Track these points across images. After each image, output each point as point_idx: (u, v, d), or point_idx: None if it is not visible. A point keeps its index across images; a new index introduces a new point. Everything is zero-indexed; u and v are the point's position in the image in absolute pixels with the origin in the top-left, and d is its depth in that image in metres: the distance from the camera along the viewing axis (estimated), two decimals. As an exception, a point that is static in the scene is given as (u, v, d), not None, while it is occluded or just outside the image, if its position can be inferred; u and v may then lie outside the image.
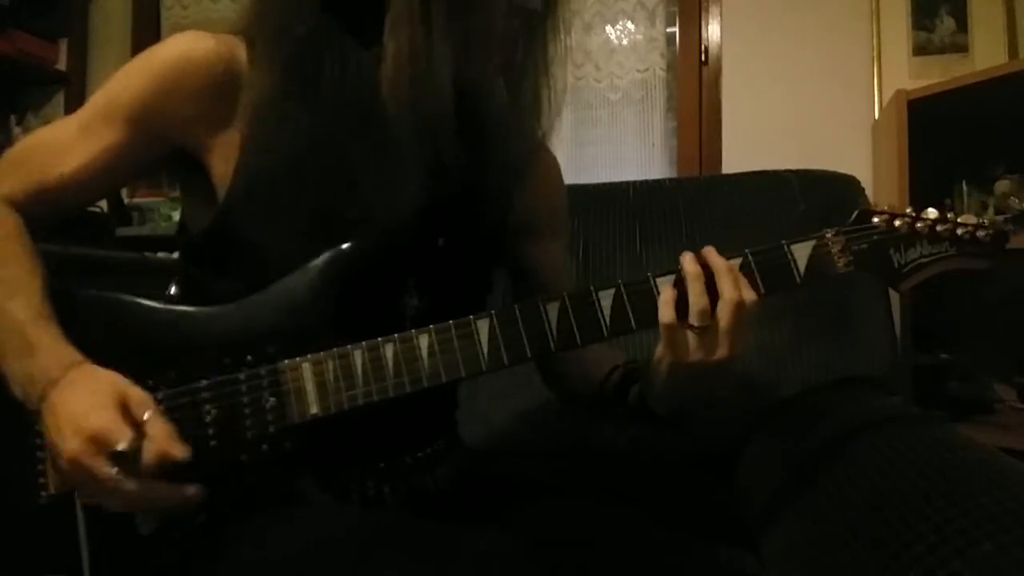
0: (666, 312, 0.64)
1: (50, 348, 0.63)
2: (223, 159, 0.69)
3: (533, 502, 0.78)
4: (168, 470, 0.59)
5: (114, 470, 0.57)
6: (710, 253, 0.65)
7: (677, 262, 0.67)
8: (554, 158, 0.91)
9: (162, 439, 0.59)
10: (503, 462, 0.93)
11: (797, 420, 1.02)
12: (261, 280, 0.68)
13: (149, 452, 0.58)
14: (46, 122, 2.40)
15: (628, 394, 0.77)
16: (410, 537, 0.60)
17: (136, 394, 0.61)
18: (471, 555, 0.58)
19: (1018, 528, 0.53)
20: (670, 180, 1.60)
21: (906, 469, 0.69)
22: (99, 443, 0.57)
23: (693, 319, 0.63)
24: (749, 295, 0.64)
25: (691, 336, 0.64)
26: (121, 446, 0.57)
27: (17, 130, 2.38)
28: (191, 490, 0.60)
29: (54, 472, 0.64)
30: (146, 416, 0.60)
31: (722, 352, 0.63)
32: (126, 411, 0.60)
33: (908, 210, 0.69)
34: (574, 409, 1.15)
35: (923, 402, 1.45)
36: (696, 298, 0.63)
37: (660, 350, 0.67)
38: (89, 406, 0.59)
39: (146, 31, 2.49)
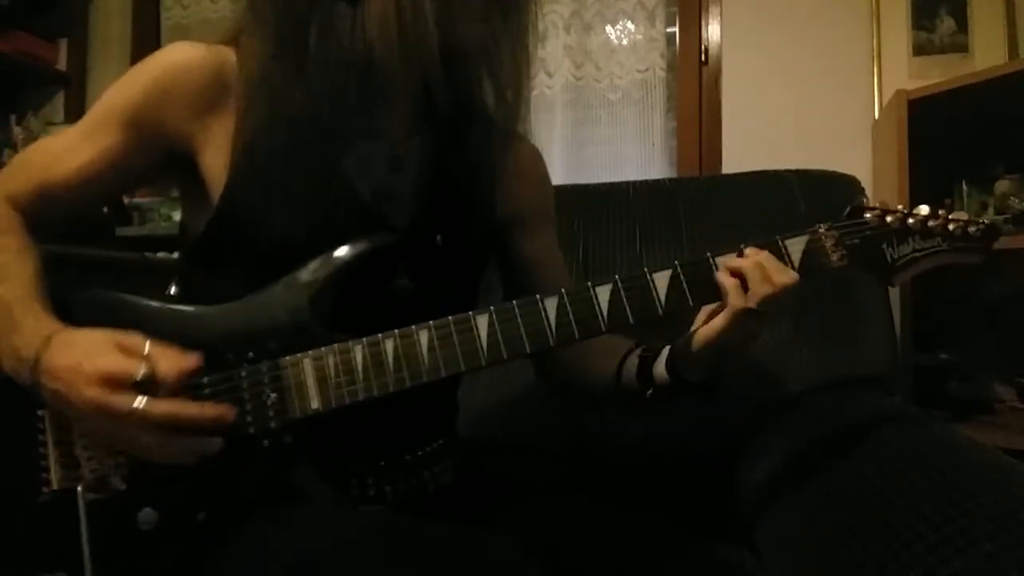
0: (737, 298, 0.66)
1: (32, 323, 0.64)
2: (217, 155, 0.71)
3: (532, 501, 0.78)
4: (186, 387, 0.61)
5: (141, 401, 0.58)
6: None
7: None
8: (535, 149, 0.92)
9: (170, 357, 0.61)
10: (503, 460, 0.93)
11: (797, 420, 1.02)
12: (262, 273, 0.69)
13: (165, 370, 0.60)
14: (46, 122, 2.41)
15: (649, 371, 0.77)
16: (410, 537, 0.60)
17: (125, 335, 0.62)
18: (470, 555, 0.58)
19: (1018, 528, 0.53)
20: (670, 180, 1.59)
21: (906, 469, 0.69)
22: (116, 382, 0.59)
23: (755, 304, 0.66)
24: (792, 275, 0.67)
25: (749, 318, 0.67)
26: (139, 375, 0.58)
27: (17, 130, 2.38)
28: (221, 408, 0.62)
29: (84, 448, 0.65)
30: (146, 347, 0.61)
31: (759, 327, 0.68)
32: (124, 349, 0.61)
33: (900, 206, 0.71)
34: (575, 406, 1.15)
35: (923, 402, 1.45)
36: (757, 286, 0.66)
37: (717, 329, 0.68)
38: (89, 355, 0.60)
39: (146, 31, 2.49)
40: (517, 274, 0.89)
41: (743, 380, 1.10)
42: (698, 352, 0.71)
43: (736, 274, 0.67)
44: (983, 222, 0.70)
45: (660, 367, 0.76)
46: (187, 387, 0.63)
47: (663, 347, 0.77)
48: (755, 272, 0.66)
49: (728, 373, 0.73)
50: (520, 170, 0.87)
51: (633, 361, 0.80)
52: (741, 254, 0.68)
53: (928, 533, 0.56)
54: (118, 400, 0.58)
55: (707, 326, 0.69)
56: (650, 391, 0.77)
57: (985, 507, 0.56)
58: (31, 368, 0.62)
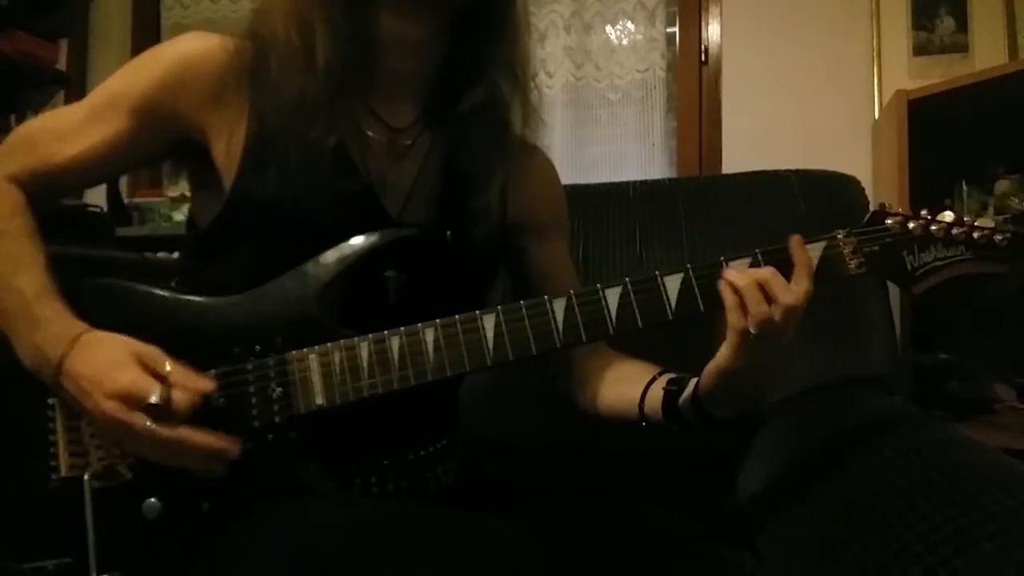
0: (738, 319, 0.63)
1: (55, 321, 0.65)
2: (229, 143, 0.71)
3: (533, 501, 0.78)
4: (199, 414, 0.62)
5: (151, 422, 0.60)
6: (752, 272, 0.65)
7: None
8: (548, 160, 0.91)
9: (188, 382, 0.62)
10: (505, 460, 0.93)
11: (797, 420, 1.02)
12: (269, 265, 0.69)
13: (180, 397, 0.61)
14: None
15: (675, 407, 0.74)
16: (414, 529, 0.60)
17: (148, 349, 0.63)
18: (475, 546, 0.58)
19: (1018, 528, 0.53)
20: (670, 180, 1.59)
21: (906, 469, 0.69)
22: (132, 399, 0.60)
23: (752, 327, 0.63)
24: (799, 294, 0.63)
25: (752, 339, 0.64)
26: (154, 398, 0.59)
27: (17, 130, 2.38)
28: (227, 442, 0.62)
29: (94, 434, 0.65)
30: (167, 368, 0.62)
31: (775, 348, 0.65)
32: (145, 366, 0.62)
33: (923, 212, 0.68)
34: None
35: (923, 402, 1.45)
36: (754, 307, 0.63)
37: (723, 354, 0.66)
38: (110, 366, 0.61)
39: (146, 31, 2.49)
40: (527, 284, 0.88)
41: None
42: (716, 386, 0.68)
43: (736, 290, 0.64)
44: (1010, 230, 0.67)
45: (687, 401, 0.72)
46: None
47: (690, 379, 0.73)
48: (753, 292, 0.63)
49: (759, 409, 0.71)
50: (534, 180, 0.87)
51: (657, 392, 0.76)
52: (757, 261, 0.66)
53: (928, 533, 0.56)
54: (132, 417, 0.60)
55: (715, 357, 0.67)
56: (676, 427, 0.74)
57: (985, 507, 0.56)
58: (54, 368, 0.63)
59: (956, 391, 1.61)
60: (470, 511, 0.64)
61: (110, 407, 0.60)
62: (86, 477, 0.64)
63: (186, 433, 0.61)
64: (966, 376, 1.64)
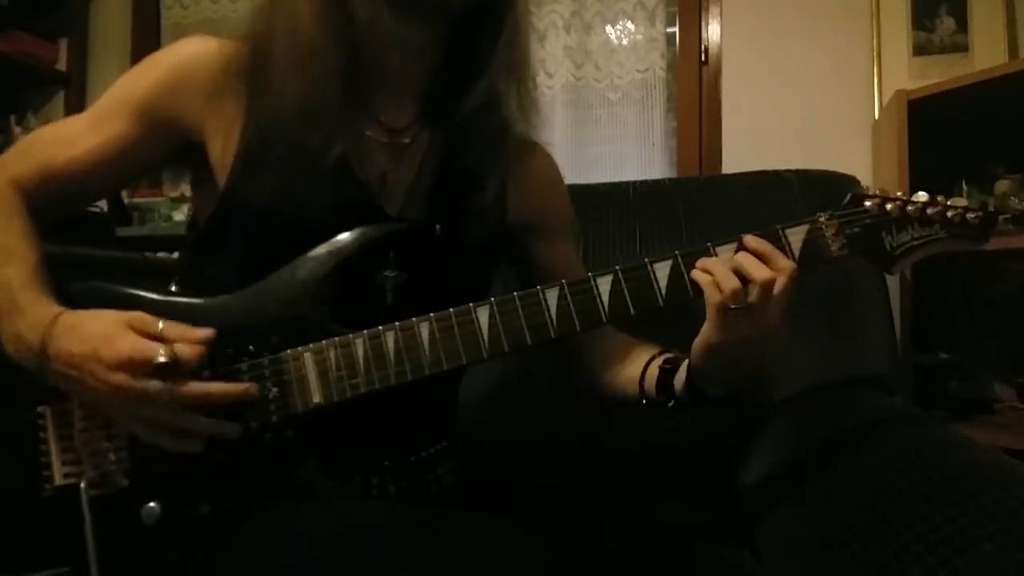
0: (714, 294, 0.65)
1: (34, 306, 0.64)
2: (224, 142, 0.72)
3: (534, 500, 0.78)
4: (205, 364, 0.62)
5: (171, 385, 0.59)
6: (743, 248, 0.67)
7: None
8: (549, 156, 0.91)
9: (186, 333, 0.62)
10: (504, 459, 0.92)
11: (797, 420, 1.02)
12: (263, 261, 0.69)
13: (185, 350, 0.60)
14: (46, 122, 2.40)
15: (670, 384, 0.76)
16: (414, 529, 0.60)
17: (136, 314, 0.63)
18: (475, 550, 0.58)
19: (1018, 528, 0.53)
20: (670, 180, 1.59)
21: (906, 469, 0.69)
22: (138, 365, 0.59)
23: (728, 300, 0.64)
24: (780, 270, 0.65)
25: (731, 314, 0.65)
26: (161, 357, 0.59)
27: (17, 130, 2.38)
28: (245, 384, 0.63)
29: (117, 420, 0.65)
30: (160, 326, 0.61)
31: (759, 324, 0.65)
32: (138, 330, 0.61)
33: (899, 193, 0.70)
34: (575, 406, 1.15)
35: (923, 402, 1.45)
36: (725, 282, 0.64)
37: (705, 330, 0.67)
38: (105, 338, 0.60)
39: (146, 31, 2.49)
40: (536, 281, 0.88)
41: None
42: (703, 362, 0.69)
43: (708, 271, 0.66)
44: (981, 210, 0.69)
45: (681, 379, 0.74)
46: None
47: (684, 358, 0.74)
48: (721, 268, 0.65)
49: (749, 388, 0.72)
50: (535, 178, 0.87)
51: (654, 371, 0.78)
52: (741, 244, 0.67)
53: (928, 533, 0.56)
54: (147, 385, 0.59)
55: (700, 333, 0.68)
56: (671, 403, 0.76)
57: (985, 507, 0.56)
58: (37, 353, 0.62)
59: (956, 391, 1.61)
60: (471, 512, 0.64)
61: (118, 379, 0.59)
62: (82, 485, 0.64)
63: (206, 387, 0.61)
64: (966, 376, 1.64)
